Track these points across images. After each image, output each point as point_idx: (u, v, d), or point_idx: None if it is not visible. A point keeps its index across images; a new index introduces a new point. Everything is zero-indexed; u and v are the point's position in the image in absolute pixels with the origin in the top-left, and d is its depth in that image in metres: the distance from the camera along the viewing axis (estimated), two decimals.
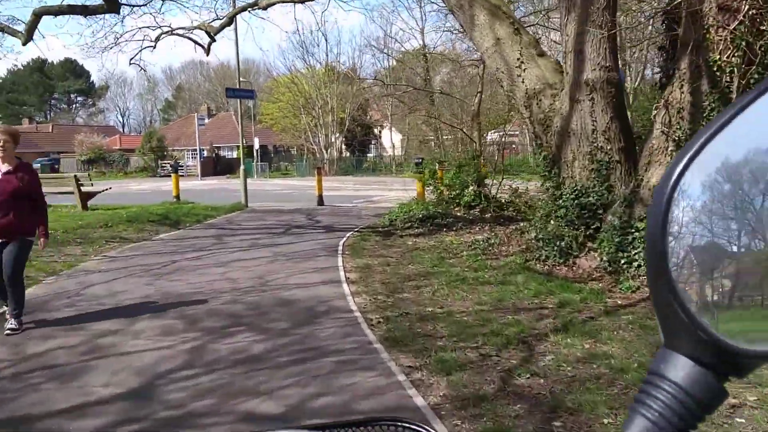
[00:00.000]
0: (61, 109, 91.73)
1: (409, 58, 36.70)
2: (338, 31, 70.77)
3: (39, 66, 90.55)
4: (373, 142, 52.79)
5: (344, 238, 11.72)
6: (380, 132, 52.32)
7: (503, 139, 16.74)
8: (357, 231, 12.72)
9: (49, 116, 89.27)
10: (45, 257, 10.57)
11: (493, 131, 22.45)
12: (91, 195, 17.36)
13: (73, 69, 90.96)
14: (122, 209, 17.46)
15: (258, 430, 3.28)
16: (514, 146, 40.77)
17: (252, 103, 52.54)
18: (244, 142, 54.03)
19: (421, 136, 47.63)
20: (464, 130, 14.26)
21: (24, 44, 11.67)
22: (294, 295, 7.29)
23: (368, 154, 51.69)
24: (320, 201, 19.53)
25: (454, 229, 12.00)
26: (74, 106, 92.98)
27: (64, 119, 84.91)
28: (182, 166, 49.52)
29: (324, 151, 43.76)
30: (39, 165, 46.81)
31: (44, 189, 16.53)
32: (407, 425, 0.85)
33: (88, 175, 17.44)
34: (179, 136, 57.91)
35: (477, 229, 11.94)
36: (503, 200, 13.53)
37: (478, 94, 14.11)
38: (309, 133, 44.52)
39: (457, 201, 13.37)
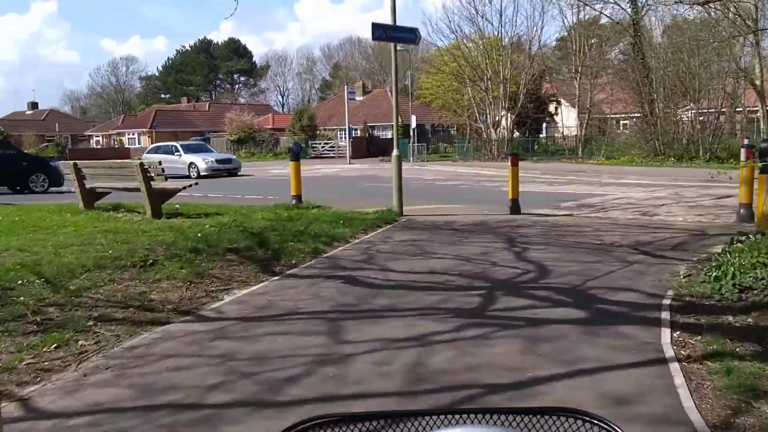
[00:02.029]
0: (225, 89, 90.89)
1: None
2: None
3: (205, 46, 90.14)
4: (546, 121, 43.89)
5: (664, 352, 4.08)
6: (556, 109, 43.30)
7: None
8: (672, 314, 4.97)
9: (213, 96, 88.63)
10: None
11: None
12: (166, 194, 11.02)
13: (236, 49, 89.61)
14: (213, 215, 11.01)
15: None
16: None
17: (409, 79, 45.70)
18: (400, 120, 47.11)
19: (607, 114, 38.17)
20: None
21: None
22: None
23: (540, 135, 42.99)
24: (515, 207, 11.95)
25: None
26: (237, 86, 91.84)
27: (227, 99, 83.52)
28: (333, 147, 43.88)
29: (492, 131, 35.82)
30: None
31: (106, 183, 10.02)
32: (593, 420, 0.80)
33: (159, 164, 11.02)
34: (332, 114, 52.50)
35: None
36: None
37: None
38: (475, 108, 36.74)
39: None
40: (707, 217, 11.19)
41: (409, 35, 11.41)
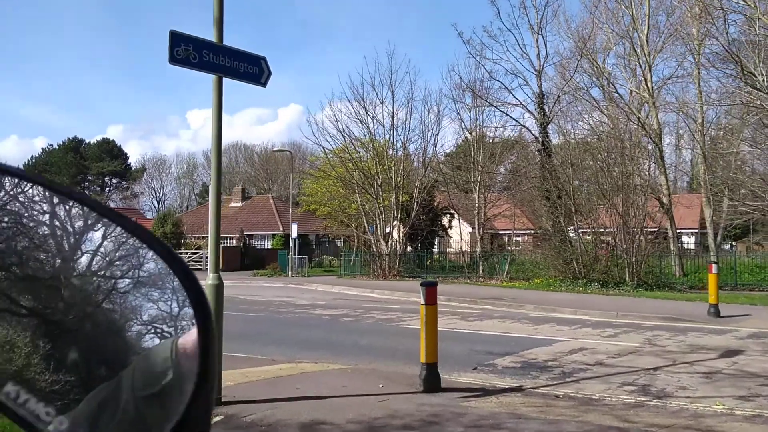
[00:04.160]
0: (94, 191, 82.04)
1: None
2: (411, 79, 55.64)
3: (75, 145, 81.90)
4: (440, 234, 39.95)
5: None
6: (450, 222, 39.59)
7: None
8: None
9: None
10: None
11: None
12: None
13: (110, 150, 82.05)
14: None
15: None
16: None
17: (291, 183, 40.89)
18: (280, 229, 40.79)
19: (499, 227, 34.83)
20: None
21: None
22: None
23: (434, 249, 38.80)
24: (432, 381, 6.62)
25: None
26: (108, 188, 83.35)
27: None
28: (202, 257, 37.38)
29: (382, 243, 31.00)
30: None
31: None
32: None
33: None
34: (206, 221, 46.19)
35: None
36: None
37: None
38: (363, 218, 32.03)
39: None
40: (763, 402, 6.30)
41: (247, 67, 6.17)
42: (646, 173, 26.53)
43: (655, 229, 21.88)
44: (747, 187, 28.84)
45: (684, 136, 31.95)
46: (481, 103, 27.39)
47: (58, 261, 0.77)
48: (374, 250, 31.40)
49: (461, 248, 32.58)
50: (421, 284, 7.06)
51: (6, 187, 0.76)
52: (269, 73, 6.37)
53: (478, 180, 30.34)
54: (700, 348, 9.47)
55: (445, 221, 39.58)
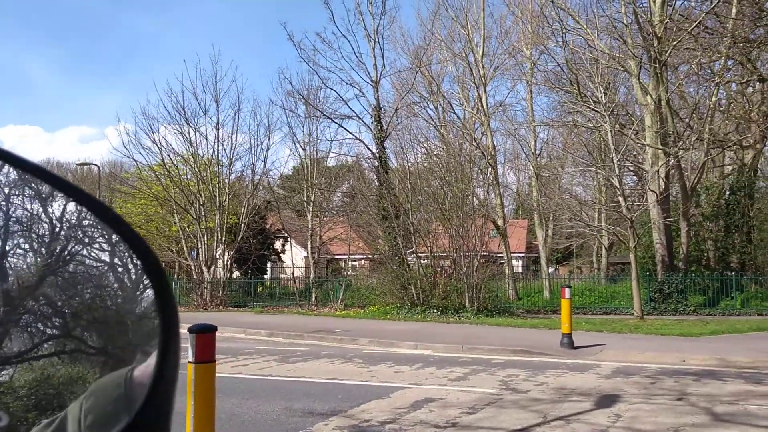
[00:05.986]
0: None
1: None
2: (238, 87, 51.48)
3: None
4: (272, 259, 37.06)
5: None
6: (283, 246, 36.87)
7: None
8: None
9: None
10: None
11: None
12: None
13: None
14: None
15: None
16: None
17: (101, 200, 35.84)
18: None
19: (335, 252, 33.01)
20: None
21: None
22: None
23: (266, 276, 35.81)
24: None
25: None
26: None
27: None
28: None
29: (205, 270, 27.48)
30: None
31: None
32: None
33: None
34: None
35: None
36: None
37: None
38: (183, 242, 28.34)
39: None
40: None
41: None
42: (482, 195, 25.91)
43: (487, 254, 20.86)
44: (571, 210, 29.37)
45: (516, 159, 32.09)
46: (314, 113, 25.17)
47: (120, 301, 0.73)
48: (195, 277, 27.79)
49: (293, 273, 29.99)
50: (190, 330, 4.40)
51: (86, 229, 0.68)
52: None
53: (312, 200, 28.02)
54: (568, 393, 7.69)
55: (278, 245, 36.82)
